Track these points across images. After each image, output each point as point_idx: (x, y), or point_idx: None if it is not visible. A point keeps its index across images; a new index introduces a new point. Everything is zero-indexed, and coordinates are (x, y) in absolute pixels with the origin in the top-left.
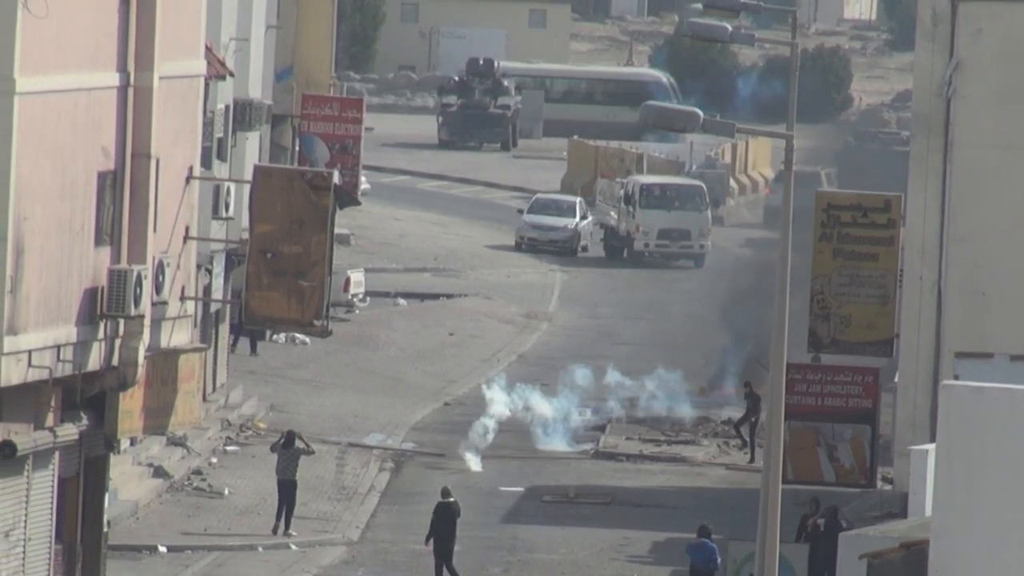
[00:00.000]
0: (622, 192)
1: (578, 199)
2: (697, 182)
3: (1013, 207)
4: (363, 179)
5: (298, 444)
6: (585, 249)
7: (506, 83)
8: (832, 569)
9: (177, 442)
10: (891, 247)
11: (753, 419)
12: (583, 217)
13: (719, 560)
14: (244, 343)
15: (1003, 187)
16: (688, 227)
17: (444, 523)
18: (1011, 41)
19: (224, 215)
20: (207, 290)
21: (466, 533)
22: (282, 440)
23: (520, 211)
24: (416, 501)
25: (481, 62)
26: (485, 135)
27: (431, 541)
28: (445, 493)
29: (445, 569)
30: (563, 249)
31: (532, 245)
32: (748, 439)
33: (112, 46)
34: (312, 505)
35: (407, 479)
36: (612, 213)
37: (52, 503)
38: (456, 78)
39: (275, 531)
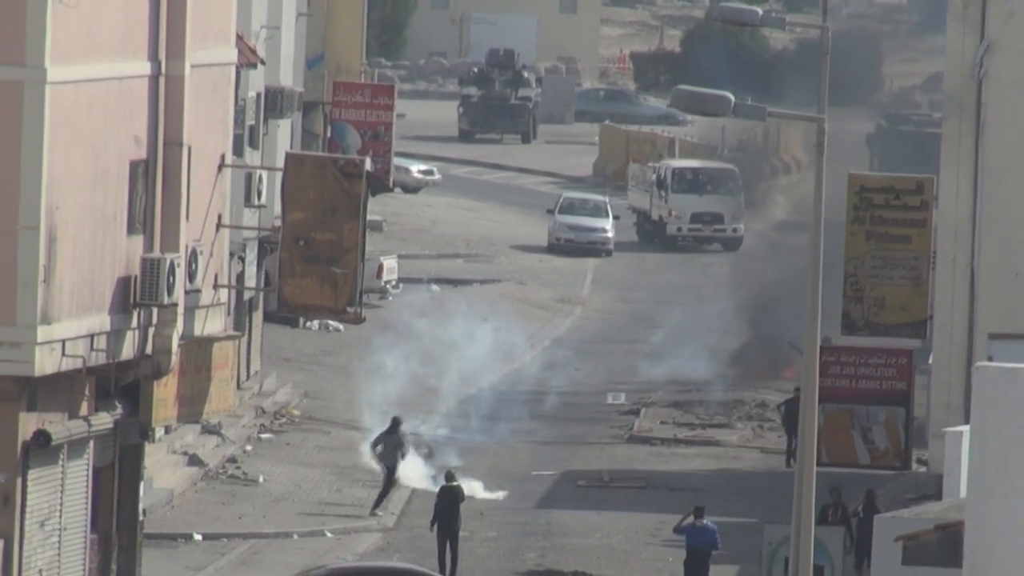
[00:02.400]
0: (654, 176)
1: (606, 198)
2: (730, 165)
3: None
4: (435, 171)
5: (402, 431)
6: (609, 253)
7: (526, 74)
8: (869, 554)
9: (211, 430)
10: (924, 229)
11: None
12: (614, 217)
13: (719, 541)
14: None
15: None
16: (721, 211)
17: (448, 507)
18: None
19: (256, 203)
20: (240, 278)
21: (500, 518)
22: (387, 427)
23: (549, 211)
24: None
25: (501, 53)
26: (506, 126)
27: (435, 526)
28: (449, 477)
29: (449, 551)
30: (599, 251)
31: (569, 247)
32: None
33: (143, 35)
34: (347, 492)
35: (441, 465)
36: (645, 198)
37: (87, 492)
38: (475, 69)
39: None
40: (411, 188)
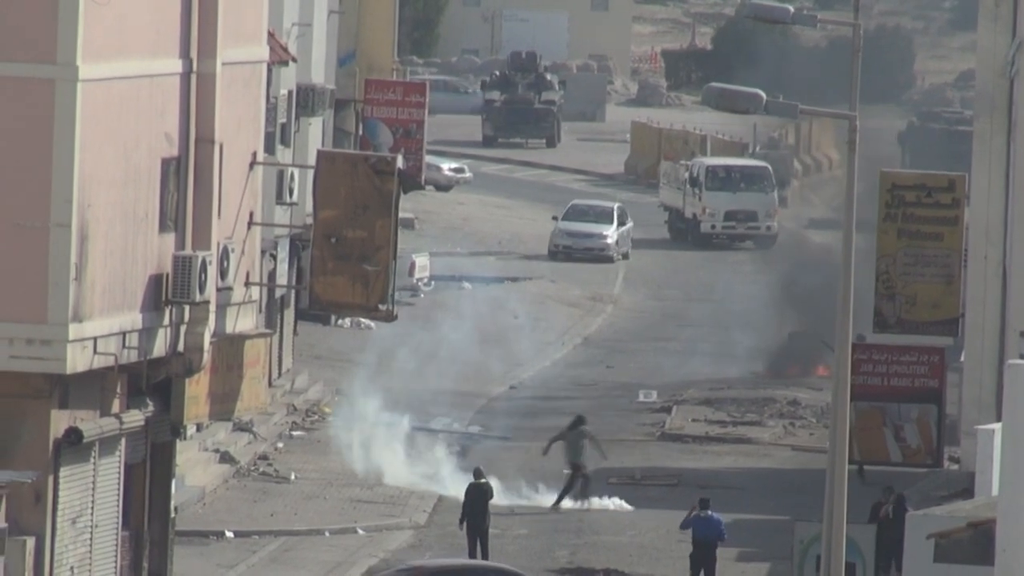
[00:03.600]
0: (687, 174)
1: (616, 204)
2: (763, 163)
3: None
4: (466, 168)
5: (584, 428)
6: (626, 256)
7: (549, 77)
8: (899, 556)
9: (243, 427)
10: (956, 227)
11: None
12: (621, 223)
13: (725, 532)
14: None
15: None
16: (755, 208)
17: (477, 504)
18: None
19: (288, 200)
20: (272, 275)
21: (532, 516)
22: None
23: (555, 217)
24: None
25: (523, 55)
26: (530, 130)
27: (464, 524)
28: (477, 474)
29: (480, 549)
30: (599, 258)
31: (567, 253)
32: None
33: (175, 32)
34: (378, 489)
35: (473, 462)
36: (677, 195)
37: (119, 490)
38: (497, 72)
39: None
40: (442, 186)
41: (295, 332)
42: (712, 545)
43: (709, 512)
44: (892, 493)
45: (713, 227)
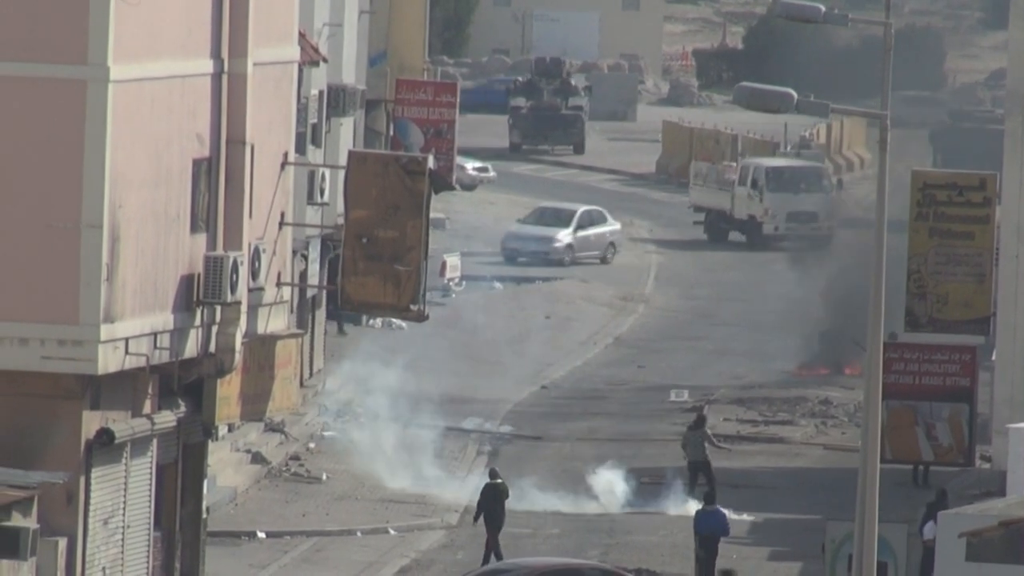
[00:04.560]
0: (738, 175)
1: (586, 208)
2: (820, 164)
3: None
4: (489, 168)
5: (707, 428)
6: (604, 260)
7: (574, 82)
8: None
9: (275, 428)
10: (987, 225)
11: None
12: (585, 226)
13: (729, 527)
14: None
15: None
16: (815, 209)
17: (493, 504)
18: None
19: (319, 201)
20: (303, 276)
21: (564, 516)
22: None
23: (520, 220)
24: (513, 485)
25: (548, 61)
26: (558, 137)
27: (478, 521)
28: (493, 475)
29: (493, 549)
30: (547, 261)
31: (512, 256)
32: None
33: (206, 33)
34: (410, 489)
35: (505, 462)
36: (716, 196)
37: (150, 490)
38: (519, 78)
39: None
40: (466, 185)
41: (342, 332)
42: (716, 539)
43: (715, 506)
44: (947, 496)
45: (776, 228)
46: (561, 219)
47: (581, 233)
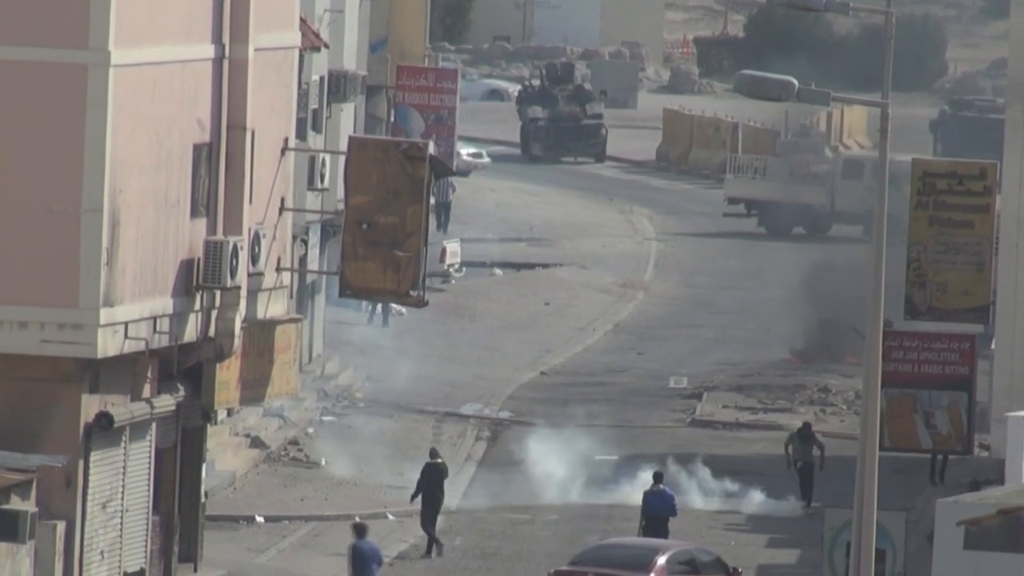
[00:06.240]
0: (840, 168)
1: None
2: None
3: None
4: (484, 153)
5: (812, 432)
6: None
7: (587, 86)
8: None
9: (274, 413)
10: (987, 214)
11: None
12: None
13: (676, 507)
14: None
15: None
16: None
17: (432, 484)
18: None
19: (319, 186)
20: (303, 261)
21: (563, 502)
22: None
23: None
24: (513, 471)
25: (559, 67)
26: (581, 148)
27: (416, 499)
28: (433, 454)
29: (430, 528)
30: None
31: None
32: None
33: (207, 18)
34: (409, 475)
35: (504, 448)
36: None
37: (149, 474)
38: (527, 82)
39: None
40: (460, 171)
41: (386, 323)
42: (664, 520)
43: (662, 487)
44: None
45: None
46: None
47: None
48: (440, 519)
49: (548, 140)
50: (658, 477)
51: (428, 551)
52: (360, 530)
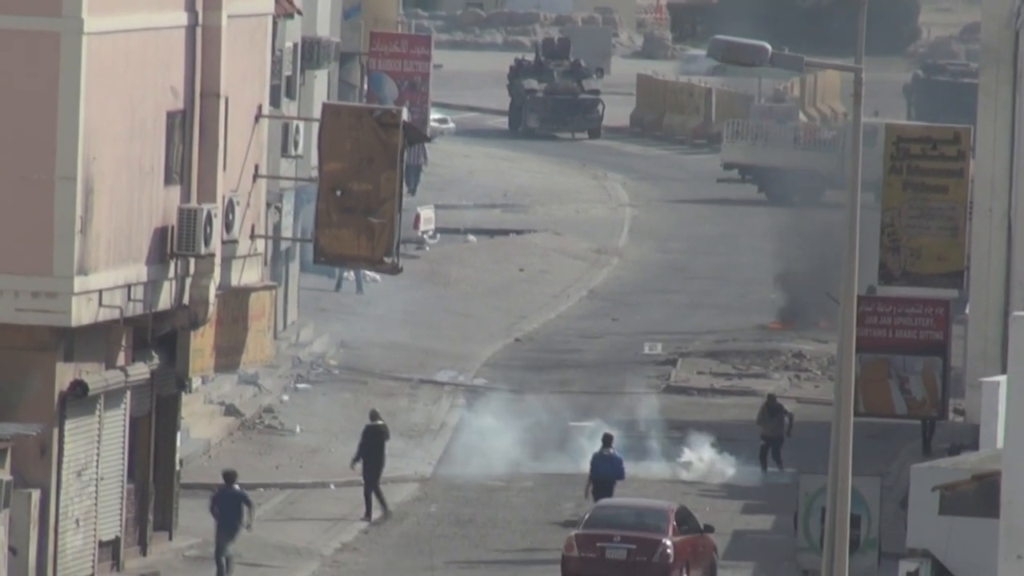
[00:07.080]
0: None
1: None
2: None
3: None
4: (448, 119)
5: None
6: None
7: (584, 63)
8: None
9: (248, 380)
10: (961, 179)
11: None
12: None
13: (624, 471)
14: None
15: None
16: None
17: (373, 446)
18: None
19: (293, 153)
20: (277, 228)
21: (538, 468)
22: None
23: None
24: (488, 438)
25: (556, 42)
26: (578, 123)
27: (357, 464)
28: (373, 416)
29: (373, 491)
30: None
31: None
32: None
33: None
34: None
35: (478, 415)
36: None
37: (124, 442)
38: (521, 56)
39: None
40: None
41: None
42: (611, 483)
43: (611, 450)
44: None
45: None
46: None
47: None
48: (415, 486)
49: (545, 112)
50: (607, 440)
51: (367, 514)
52: (228, 477)
